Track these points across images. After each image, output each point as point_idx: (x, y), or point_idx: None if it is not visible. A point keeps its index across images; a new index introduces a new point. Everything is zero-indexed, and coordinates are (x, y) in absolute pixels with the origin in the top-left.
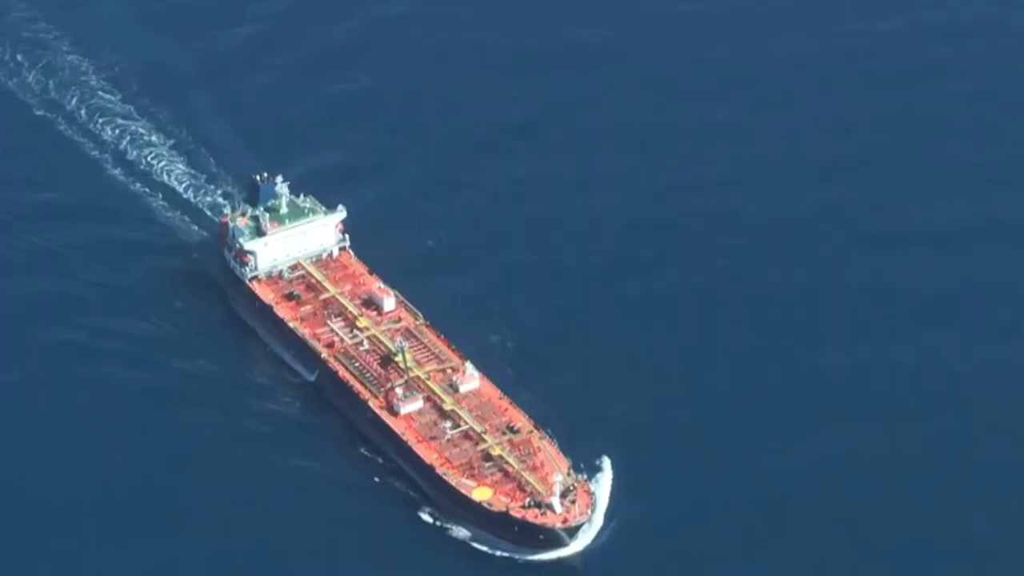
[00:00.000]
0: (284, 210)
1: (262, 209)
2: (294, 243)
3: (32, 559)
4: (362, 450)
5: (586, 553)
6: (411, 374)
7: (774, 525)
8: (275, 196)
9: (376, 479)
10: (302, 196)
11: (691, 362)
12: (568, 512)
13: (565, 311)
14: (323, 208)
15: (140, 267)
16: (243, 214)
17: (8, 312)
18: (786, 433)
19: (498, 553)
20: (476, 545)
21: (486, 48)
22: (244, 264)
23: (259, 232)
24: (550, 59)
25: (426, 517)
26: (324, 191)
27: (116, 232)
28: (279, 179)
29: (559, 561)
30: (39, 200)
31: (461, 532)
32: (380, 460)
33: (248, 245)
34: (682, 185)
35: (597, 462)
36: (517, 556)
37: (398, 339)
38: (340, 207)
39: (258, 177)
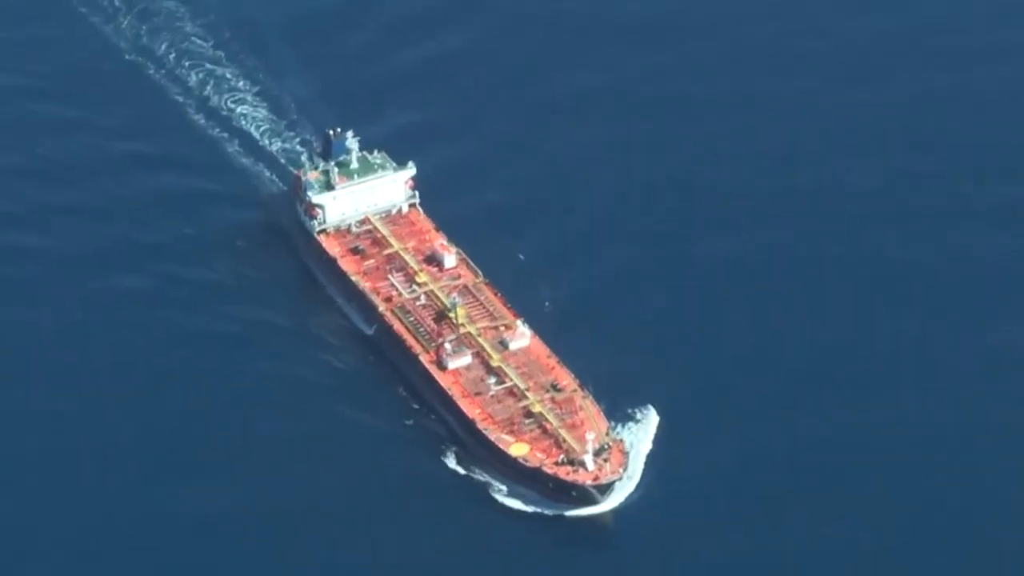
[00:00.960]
0: (354, 165)
1: (332, 163)
2: (363, 198)
3: (84, 497)
4: (401, 390)
5: (618, 510)
6: (462, 330)
7: (816, 490)
8: (346, 151)
9: (408, 422)
10: (375, 152)
11: (747, 327)
12: (600, 470)
13: (622, 272)
14: (393, 164)
15: (216, 217)
16: (316, 168)
17: (79, 256)
18: (835, 399)
19: (531, 508)
20: (507, 501)
21: (579, 15)
22: (312, 217)
23: (328, 186)
24: (633, 29)
25: (460, 468)
26: (401, 148)
27: (195, 182)
28: (350, 134)
29: (591, 518)
30: (123, 149)
31: (494, 485)
32: (415, 406)
33: (316, 198)
34: (746, 154)
35: (641, 418)
36: (550, 511)
37: (453, 295)
38: (410, 164)
39: (331, 132)
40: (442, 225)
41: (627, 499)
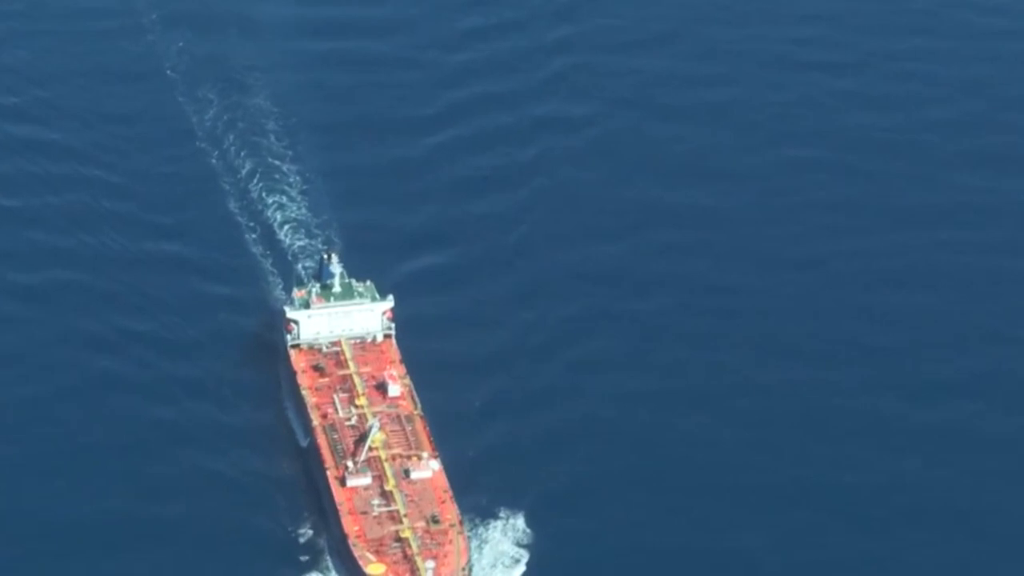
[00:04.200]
0: (336, 289)
1: (317, 284)
2: (338, 321)
3: None
4: (309, 502)
5: None
6: (373, 452)
7: None
8: (331, 275)
9: (298, 532)
10: (367, 282)
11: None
12: None
13: (566, 432)
14: (375, 295)
15: (218, 320)
16: (304, 287)
17: (70, 332)
18: None
19: None
20: None
21: (634, 199)
22: (288, 332)
23: (306, 304)
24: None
25: None
26: (413, 286)
27: (212, 286)
28: (335, 259)
29: None
30: (161, 249)
31: None
32: (309, 518)
33: (291, 314)
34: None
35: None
36: None
37: (374, 419)
38: (389, 297)
39: (324, 256)
40: (412, 359)
41: None
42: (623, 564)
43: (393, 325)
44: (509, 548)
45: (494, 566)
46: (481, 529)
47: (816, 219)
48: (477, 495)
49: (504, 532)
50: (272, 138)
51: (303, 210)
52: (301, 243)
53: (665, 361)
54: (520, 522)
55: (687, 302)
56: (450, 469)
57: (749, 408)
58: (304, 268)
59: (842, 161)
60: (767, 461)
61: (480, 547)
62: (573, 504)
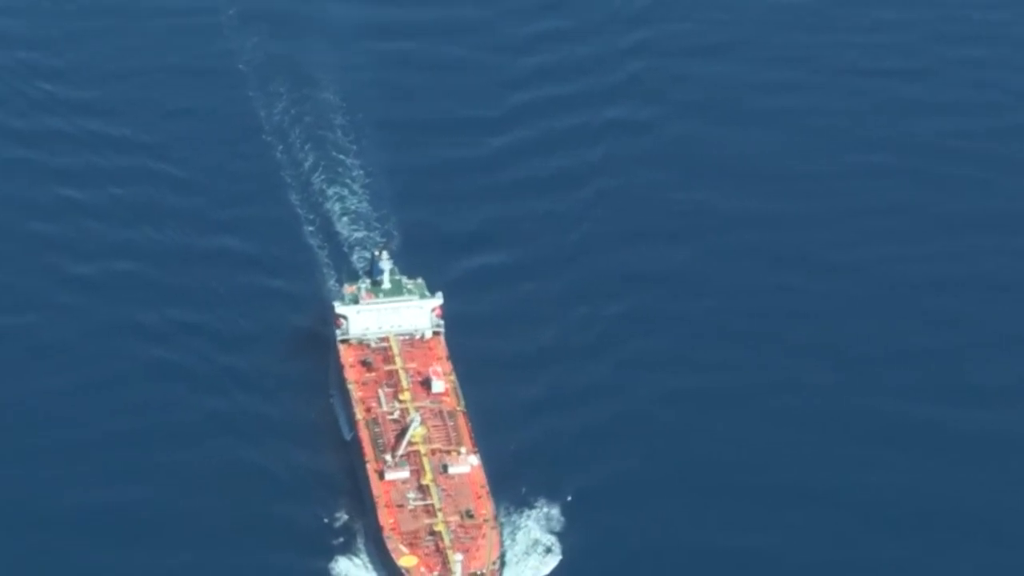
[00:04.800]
0: (386, 285)
1: (368, 280)
2: (387, 317)
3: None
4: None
5: None
6: (412, 447)
7: None
8: (380, 271)
9: (334, 523)
10: (418, 279)
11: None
12: None
13: (603, 435)
14: (425, 292)
15: (273, 314)
16: (355, 282)
17: (122, 322)
18: None
19: None
20: None
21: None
22: (338, 327)
23: (355, 300)
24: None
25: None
26: (471, 283)
27: (269, 279)
28: (385, 255)
29: None
30: (221, 242)
31: None
32: (346, 511)
33: (340, 309)
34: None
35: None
36: None
37: (416, 414)
38: (439, 294)
39: (376, 252)
40: (461, 356)
41: None
42: (655, 560)
43: (442, 322)
44: (543, 538)
45: (527, 554)
46: (516, 518)
47: (878, 224)
48: (516, 487)
49: (539, 522)
50: (338, 132)
51: (363, 203)
52: (359, 235)
53: (710, 361)
54: (556, 513)
55: (737, 304)
56: (490, 463)
57: (790, 409)
58: (359, 260)
59: (908, 167)
60: (805, 462)
61: (513, 534)
62: (610, 499)
